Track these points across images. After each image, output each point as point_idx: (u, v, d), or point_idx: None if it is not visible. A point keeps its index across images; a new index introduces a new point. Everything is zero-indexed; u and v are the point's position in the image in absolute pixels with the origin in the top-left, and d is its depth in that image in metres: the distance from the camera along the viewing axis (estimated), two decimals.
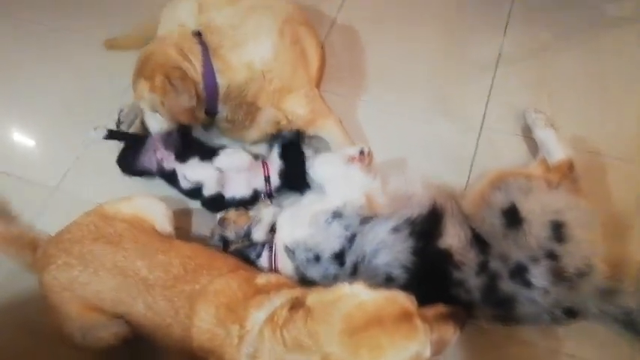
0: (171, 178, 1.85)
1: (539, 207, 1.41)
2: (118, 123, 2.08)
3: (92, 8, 2.64)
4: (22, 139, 2.27)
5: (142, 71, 1.71)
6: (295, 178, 1.78)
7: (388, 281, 1.40)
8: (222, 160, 1.80)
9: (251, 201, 1.80)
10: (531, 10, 2.30)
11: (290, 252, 1.51)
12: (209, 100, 1.75)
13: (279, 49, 1.78)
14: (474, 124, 1.99)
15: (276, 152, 1.82)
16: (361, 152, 1.65)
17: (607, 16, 2.23)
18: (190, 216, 1.91)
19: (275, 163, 1.81)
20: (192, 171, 1.80)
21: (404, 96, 2.11)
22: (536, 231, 1.37)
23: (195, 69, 1.70)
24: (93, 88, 2.31)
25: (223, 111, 1.81)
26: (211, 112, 1.82)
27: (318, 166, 1.65)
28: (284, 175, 1.79)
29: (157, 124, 1.81)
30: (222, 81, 1.73)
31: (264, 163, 1.81)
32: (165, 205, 1.66)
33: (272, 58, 1.76)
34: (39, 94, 2.34)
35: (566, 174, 1.55)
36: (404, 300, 1.08)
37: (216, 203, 1.81)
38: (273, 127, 1.90)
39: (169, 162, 1.84)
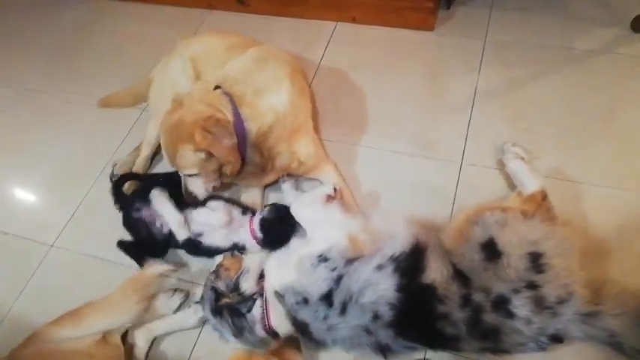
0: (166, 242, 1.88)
1: (517, 239, 1.45)
2: (112, 176, 2.15)
3: (84, 72, 2.78)
4: (20, 198, 2.34)
5: (178, 139, 1.68)
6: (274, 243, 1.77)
7: (375, 319, 1.43)
8: (200, 213, 1.85)
9: (230, 250, 1.82)
10: (502, 48, 2.40)
11: (280, 297, 1.53)
12: (240, 147, 1.76)
13: (292, 95, 1.84)
14: (454, 160, 2.06)
15: (258, 219, 1.82)
16: (334, 189, 1.74)
17: (575, 49, 2.33)
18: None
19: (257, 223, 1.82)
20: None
21: (386, 136, 2.19)
22: (515, 263, 1.41)
23: (226, 118, 1.70)
24: (88, 146, 2.40)
25: (249, 157, 1.83)
26: (242, 159, 1.82)
27: (298, 210, 1.69)
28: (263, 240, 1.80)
29: (201, 188, 1.82)
30: (251, 126, 1.75)
31: (251, 221, 1.82)
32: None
33: (288, 103, 1.82)
34: (35, 155, 2.43)
35: (541, 204, 1.60)
36: None
37: (193, 247, 1.84)
38: (285, 170, 1.96)
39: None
